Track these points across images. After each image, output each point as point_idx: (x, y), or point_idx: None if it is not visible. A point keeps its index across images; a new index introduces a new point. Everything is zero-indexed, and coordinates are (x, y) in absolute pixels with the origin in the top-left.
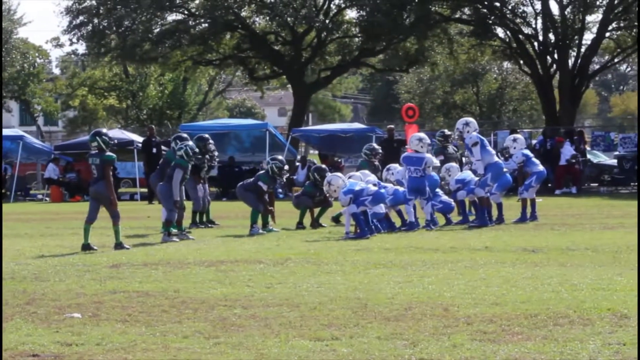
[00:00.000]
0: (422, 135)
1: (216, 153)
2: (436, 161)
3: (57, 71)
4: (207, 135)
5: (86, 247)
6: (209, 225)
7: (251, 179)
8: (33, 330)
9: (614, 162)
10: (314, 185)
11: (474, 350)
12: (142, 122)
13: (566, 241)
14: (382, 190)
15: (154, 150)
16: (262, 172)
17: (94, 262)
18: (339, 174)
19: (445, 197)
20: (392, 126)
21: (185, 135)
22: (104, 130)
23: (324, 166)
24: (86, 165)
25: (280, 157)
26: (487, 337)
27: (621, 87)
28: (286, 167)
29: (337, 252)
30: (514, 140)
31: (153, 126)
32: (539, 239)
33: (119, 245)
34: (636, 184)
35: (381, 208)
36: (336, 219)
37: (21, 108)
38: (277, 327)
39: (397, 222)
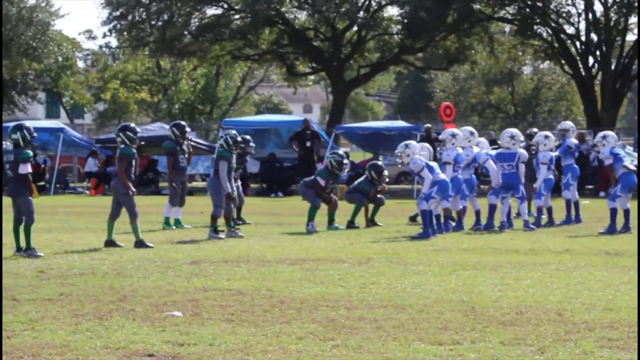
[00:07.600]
0: (456, 130)
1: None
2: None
3: (81, 64)
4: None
5: (109, 243)
6: (239, 223)
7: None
8: (138, 328)
9: None
10: (370, 183)
11: (607, 358)
12: (173, 117)
13: None
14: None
15: (308, 143)
16: (321, 167)
17: (171, 258)
18: (413, 142)
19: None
20: (430, 125)
21: (132, 125)
22: (132, 125)
23: (379, 163)
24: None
25: (340, 151)
26: (614, 345)
27: None
28: (346, 160)
29: (417, 252)
30: (604, 137)
31: (307, 119)
32: (617, 242)
33: (138, 243)
34: None
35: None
36: (413, 219)
37: (47, 100)
38: (392, 330)
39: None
